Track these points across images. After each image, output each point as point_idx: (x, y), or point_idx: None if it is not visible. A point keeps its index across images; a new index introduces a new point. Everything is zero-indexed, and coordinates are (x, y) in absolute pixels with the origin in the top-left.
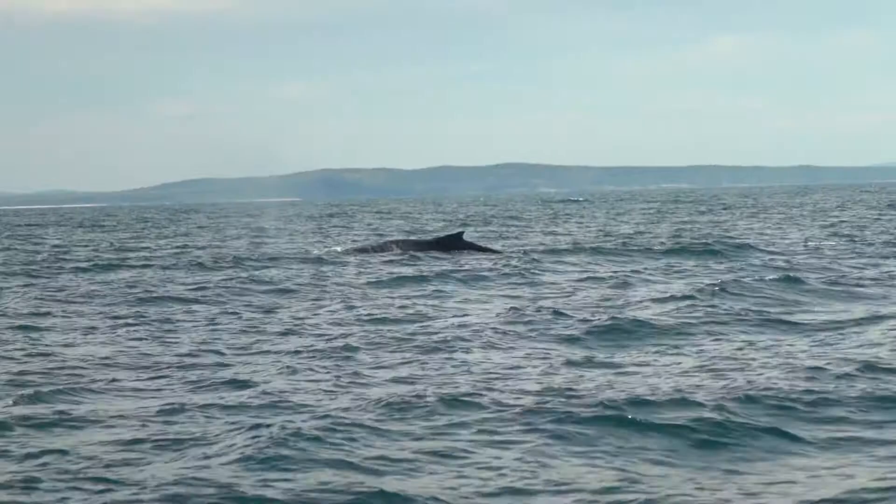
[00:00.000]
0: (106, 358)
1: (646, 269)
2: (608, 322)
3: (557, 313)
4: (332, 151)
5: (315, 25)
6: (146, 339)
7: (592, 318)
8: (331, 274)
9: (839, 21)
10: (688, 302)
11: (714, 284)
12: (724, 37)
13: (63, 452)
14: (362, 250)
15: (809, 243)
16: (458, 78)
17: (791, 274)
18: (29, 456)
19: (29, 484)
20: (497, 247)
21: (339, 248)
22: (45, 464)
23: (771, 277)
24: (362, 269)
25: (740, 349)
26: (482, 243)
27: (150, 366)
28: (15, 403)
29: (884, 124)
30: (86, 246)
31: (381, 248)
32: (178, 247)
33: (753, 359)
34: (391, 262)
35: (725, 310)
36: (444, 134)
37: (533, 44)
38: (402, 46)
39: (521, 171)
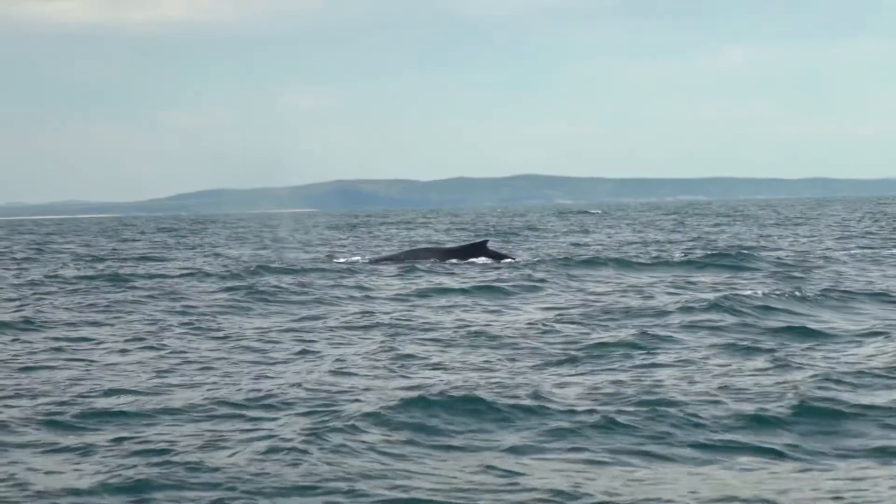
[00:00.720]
0: (158, 366)
1: (676, 278)
2: (639, 331)
3: (590, 322)
4: (348, 162)
5: (329, 34)
6: (194, 345)
7: (622, 328)
8: (367, 284)
9: (855, 29)
10: (720, 314)
11: (749, 296)
12: (738, 46)
13: (151, 452)
14: (392, 259)
15: (842, 252)
16: (474, 87)
17: (828, 285)
18: (119, 454)
19: (123, 478)
20: (521, 255)
21: (368, 257)
22: (132, 464)
23: (812, 289)
24: (395, 278)
25: (780, 360)
26: (504, 252)
27: (202, 369)
28: (88, 405)
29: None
30: (113, 254)
31: (409, 257)
32: (206, 256)
33: (791, 367)
34: (421, 270)
35: (761, 322)
36: (460, 144)
37: (548, 53)
38: (417, 55)
39: (537, 183)
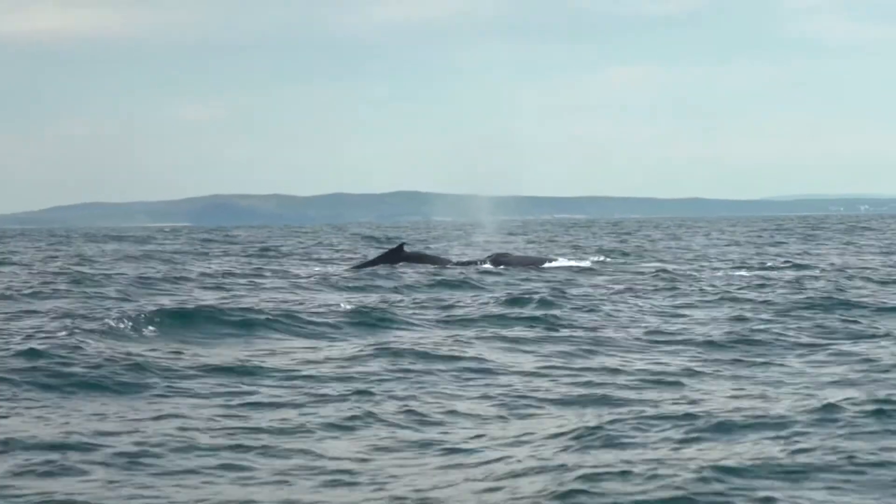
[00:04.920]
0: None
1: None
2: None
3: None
4: (224, 176)
5: (209, 48)
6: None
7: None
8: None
9: (732, 55)
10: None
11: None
12: (617, 68)
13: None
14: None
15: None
16: (354, 104)
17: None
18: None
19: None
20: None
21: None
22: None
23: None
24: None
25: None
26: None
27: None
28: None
29: (769, 160)
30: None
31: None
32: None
33: None
34: (354, 285)
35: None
36: (338, 161)
37: (429, 71)
38: (299, 71)
39: (415, 199)
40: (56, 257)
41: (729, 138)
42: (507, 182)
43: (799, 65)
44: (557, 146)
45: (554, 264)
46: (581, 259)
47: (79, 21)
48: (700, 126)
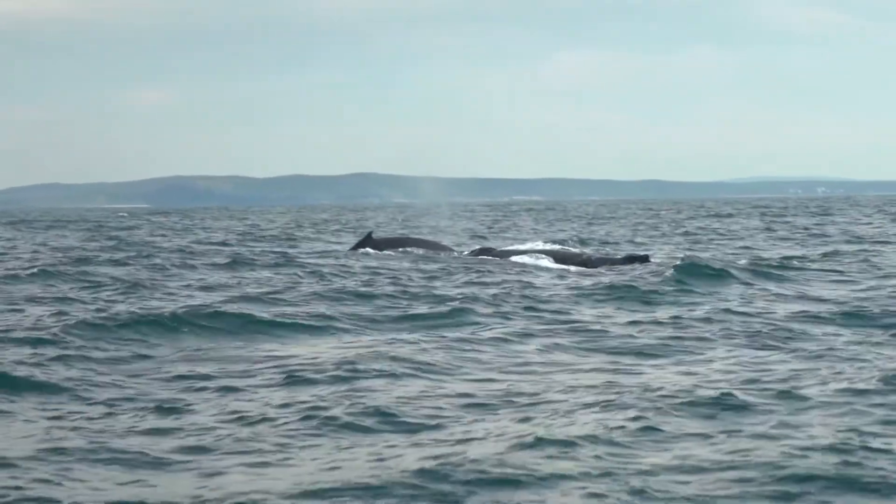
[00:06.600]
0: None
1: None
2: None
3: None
4: (182, 158)
5: (169, 33)
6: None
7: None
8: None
9: (687, 39)
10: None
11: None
12: (575, 52)
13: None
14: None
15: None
16: (310, 86)
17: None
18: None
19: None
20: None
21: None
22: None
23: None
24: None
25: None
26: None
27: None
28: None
29: (727, 142)
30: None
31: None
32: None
33: None
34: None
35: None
36: (298, 143)
37: (387, 55)
38: (252, 54)
39: (374, 181)
40: (38, 250)
41: (687, 121)
42: (464, 164)
43: (758, 50)
44: (515, 129)
45: (540, 258)
46: (565, 249)
47: (37, 3)
48: (657, 109)
